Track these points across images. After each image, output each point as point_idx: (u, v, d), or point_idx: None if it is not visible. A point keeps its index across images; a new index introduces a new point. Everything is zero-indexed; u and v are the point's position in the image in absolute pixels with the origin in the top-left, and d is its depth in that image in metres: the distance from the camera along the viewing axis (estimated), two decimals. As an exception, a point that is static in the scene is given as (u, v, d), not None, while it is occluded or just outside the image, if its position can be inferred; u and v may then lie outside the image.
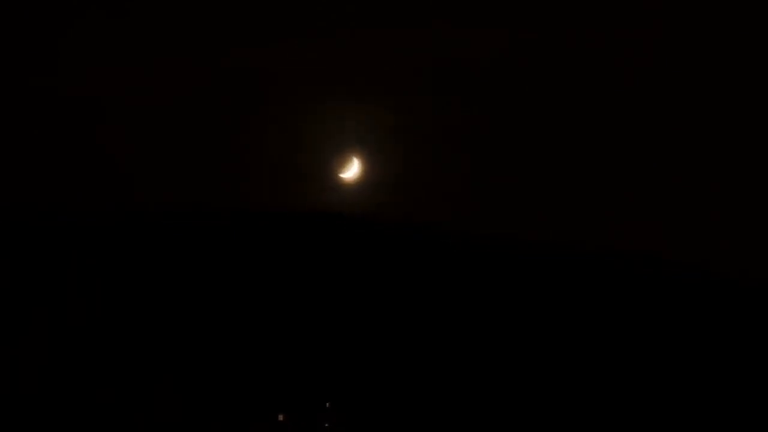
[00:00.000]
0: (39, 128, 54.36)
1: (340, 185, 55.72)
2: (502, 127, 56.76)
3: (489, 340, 51.80)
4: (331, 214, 55.58)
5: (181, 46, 54.98)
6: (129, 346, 46.41)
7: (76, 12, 52.66)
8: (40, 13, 52.87)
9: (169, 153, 55.38)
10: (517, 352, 51.61)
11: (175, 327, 48.00)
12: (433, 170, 57.28)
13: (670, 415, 49.68)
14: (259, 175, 56.99)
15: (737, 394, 49.99)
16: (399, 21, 55.27)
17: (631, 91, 55.00)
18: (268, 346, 48.79)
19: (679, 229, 54.22)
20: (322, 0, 53.54)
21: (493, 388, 50.43)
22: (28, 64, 53.27)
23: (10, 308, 45.25)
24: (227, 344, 48.28)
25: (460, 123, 57.40)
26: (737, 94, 53.10)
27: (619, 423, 49.39)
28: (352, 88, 57.62)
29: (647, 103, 55.33)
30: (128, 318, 47.02)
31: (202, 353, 47.70)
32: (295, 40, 55.70)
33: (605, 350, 51.36)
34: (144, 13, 52.88)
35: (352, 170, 55.31)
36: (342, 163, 55.30)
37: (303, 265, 51.94)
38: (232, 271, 50.34)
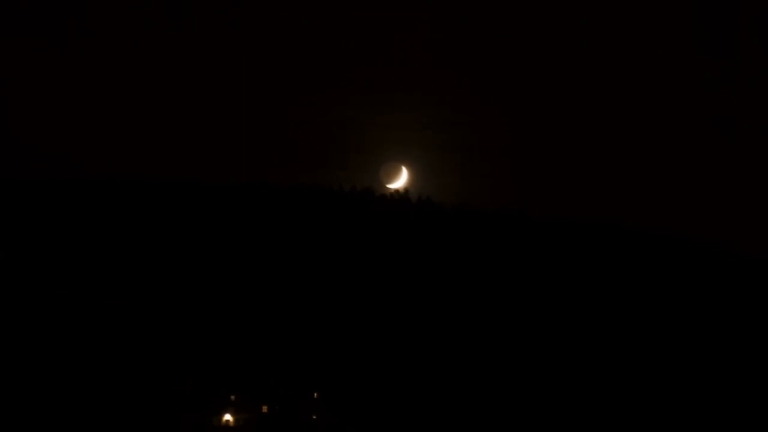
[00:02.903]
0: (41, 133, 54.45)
1: (389, 194, 56.62)
2: (541, 140, 58.35)
3: (477, 334, 51.83)
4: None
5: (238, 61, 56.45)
6: (125, 342, 46.63)
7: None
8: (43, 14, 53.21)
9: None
10: (520, 341, 51.82)
11: (170, 323, 48.14)
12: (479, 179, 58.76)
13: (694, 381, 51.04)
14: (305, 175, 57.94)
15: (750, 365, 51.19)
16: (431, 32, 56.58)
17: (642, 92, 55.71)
18: (262, 340, 48.89)
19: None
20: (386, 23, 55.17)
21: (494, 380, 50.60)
22: (30, 61, 53.62)
23: (10, 308, 45.48)
24: (223, 341, 48.40)
25: (502, 138, 59.12)
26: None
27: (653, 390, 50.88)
28: (400, 102, 59.06)
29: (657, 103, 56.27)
30: (127, 316, 47.21)
31: (197, 348, 47.83)
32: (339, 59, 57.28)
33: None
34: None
35: (400, 181, 56.14)
36: (390, 173, 56.18)
37: (299, 261, 52.01)
38: (226, 270, 50.43)
